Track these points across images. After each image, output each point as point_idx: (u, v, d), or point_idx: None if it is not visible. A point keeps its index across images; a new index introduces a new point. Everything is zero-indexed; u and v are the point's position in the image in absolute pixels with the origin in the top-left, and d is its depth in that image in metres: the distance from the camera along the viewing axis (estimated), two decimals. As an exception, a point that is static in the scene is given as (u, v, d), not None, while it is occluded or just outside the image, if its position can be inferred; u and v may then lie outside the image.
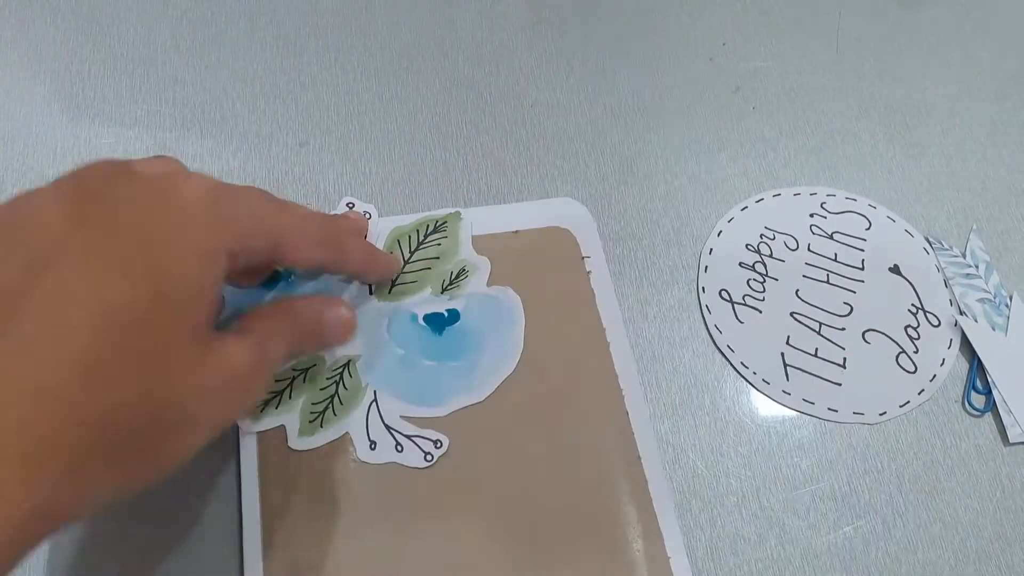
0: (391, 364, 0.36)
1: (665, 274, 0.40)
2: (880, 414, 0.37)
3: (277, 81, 0.43)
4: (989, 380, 0.37)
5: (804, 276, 0.40)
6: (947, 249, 0.41)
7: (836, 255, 0.40)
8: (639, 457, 0.34)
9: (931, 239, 0.41)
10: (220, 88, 0.43)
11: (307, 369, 0.35)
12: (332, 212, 0.39)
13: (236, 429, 0.34)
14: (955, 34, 0.48)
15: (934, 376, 0.38)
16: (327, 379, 0.35)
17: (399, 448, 0.34)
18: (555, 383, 0.36)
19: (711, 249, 0.40)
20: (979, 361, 0.38)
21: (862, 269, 0.40)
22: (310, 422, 0.34)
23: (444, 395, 0.35)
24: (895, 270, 0.40)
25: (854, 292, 0.39)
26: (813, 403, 0.37)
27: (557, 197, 0.41)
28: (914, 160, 0.44)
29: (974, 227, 0.42)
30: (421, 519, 0.33)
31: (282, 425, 0.34)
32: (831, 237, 0.41)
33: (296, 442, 0.34)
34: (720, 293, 0.39)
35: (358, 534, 0.33)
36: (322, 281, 0.36)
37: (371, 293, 0.37)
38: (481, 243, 0.39)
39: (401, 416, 0.35)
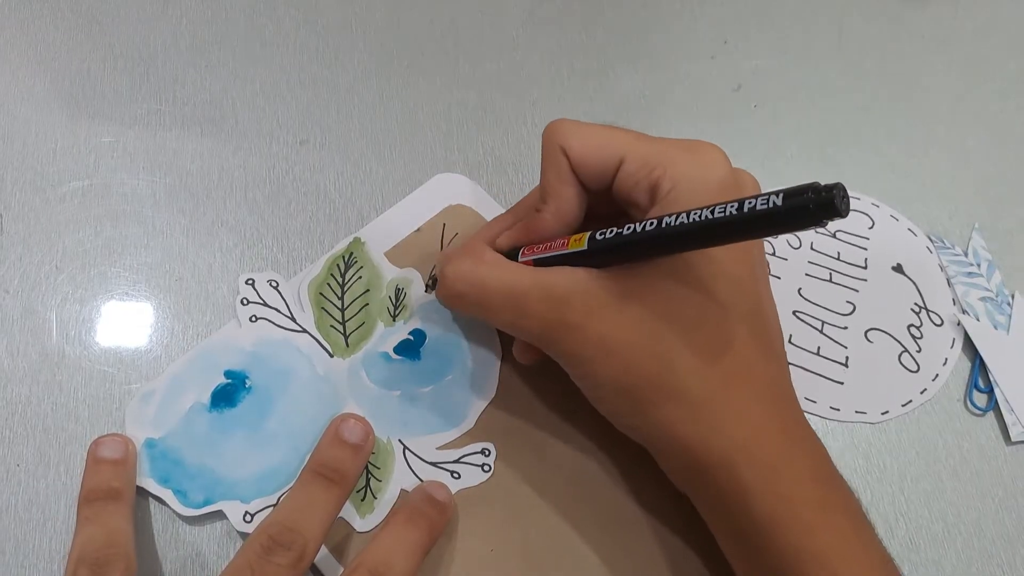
0: (394, 409, 0.35)
1: (667, 273, 0.39)
2: (882, 413, 0.37)
3: (277, 80, 0.43)
4: (991, 379, 0.37)
5: (807, 275, 0.40)
6: (949, 248, 0.41)
7: (839, 254, 0.40)
8: None
9: (933, 237, 0.41)
10: (220, 87, 0.43)
11: None
12: (236, 292, 0.37)
13: None
14: (957, 32, 0.48)
15: (936, 375, 0.38)
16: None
17: (456, 476, 0.34)
18: None
19: (713, 248, 0.40)
20: (981, 360, 0.38)
21: (865, 268, 0.40)
22: (362, 500, 0.33)
23: (460, 410, 0.35)
24: (898, 269, 0.40)
25: (857, 291, 0.39)
26: (815, 402, 0.37)
27: (431, 179, 0.40)
28: (916, 159, 0.44)
29: (976, 226, 0.42)
30: (520, 524, 0.33)
31: (340, 517, 0.33)
32: (834, 236, 0.41)
33: (363, 524, 0.33)
34: (722, 292, 0.39)
35: (473, 569, 0.33)
36: (288, 377, 0.35)
37: (331, 356, 0.36)
38: (395, 256, 0.38)
39: (437, 448, 0.35)
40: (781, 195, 0.23)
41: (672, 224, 0.26)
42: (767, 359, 0.30)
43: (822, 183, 0.23)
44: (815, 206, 0.23)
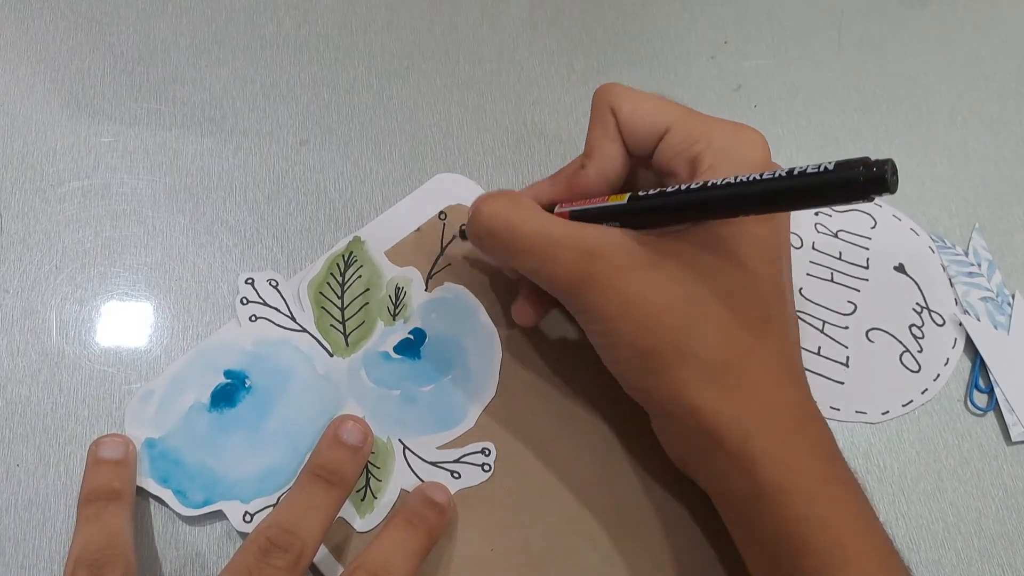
0: (394, 408, 0.35)
1: (667, 273, 0.39)
2: (883, 413, 0.37)
3: (277, 80, 0.43)
4: (991, 379, 0.37)
5: (808, 274, 0.40)
6: (950, 247, 0.41)
7: (841, 253, 0.40)
8: None
9: (933, 237, 0.41)
10: (220, 86, 0.43)
11: None
12: (236, 291, 0.37)
13: None
14: (957, 32, 0.48)
15: (938, 375, 0.38)
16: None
17: (456, 475, 0.34)
18: (545, 345, 0.36)
19: (713, 248, 0.40)
20: (981, 360, 0.38)
21: (867, 268, 0.40)
22: (362, 500, 0.33)
23: (461, 408, 0.35)
24: (900, 269, 0.40)
25: (858, 291, 0.39)
26: (815, 401, 0.37)
27: (432, 179, 0.41)
28: (916, 159, 0.44)
29: (976, 226, 0.42)
30: (520, 524, 0.33)
31: (340, 518, 0.33)
32: (836, 235, 0.41)
33: (363, 524, 0.33)
34: (722, 292, 0.39)
35: (473, 568, 0.33)
36: (287, 377, 0.35)
37: (331, 355, 0.36)
38: (395, 255, 0.38)
39: (437, 448, 0.35)
40: (833, 164, 0.24)
41: (719, 185, 0.27)
42: (784, 337, 0.31)
43: (872, 158, 0.23)
44: (866, 179, 0.23)
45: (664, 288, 0.29)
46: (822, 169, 0.24)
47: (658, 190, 0.29)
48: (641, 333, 0.29)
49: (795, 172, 0.25)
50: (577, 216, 0.32)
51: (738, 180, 0.26)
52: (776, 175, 0.25)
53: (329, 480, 0.32)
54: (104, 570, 0.29)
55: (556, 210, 0.33)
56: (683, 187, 0.28)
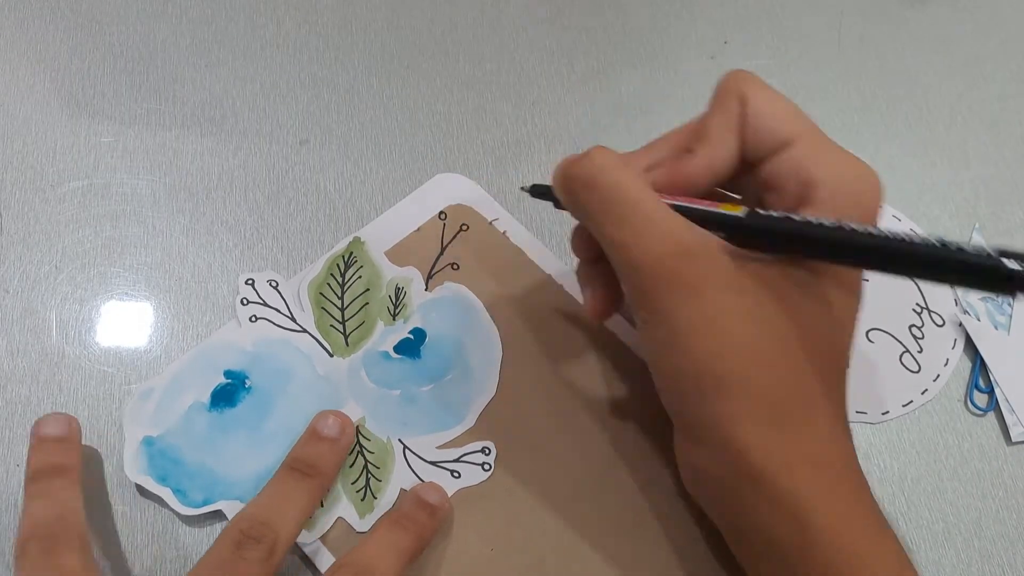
0: (394, 408, 0.35)
1: (667, 273, 0.39)
2: (883, 413, 0.37)
3: (277, 80, 0.43)
4: (992, 379, 0.37)
5: (806, 275, 0.40)
6: (949, 248, 0.41)
7: (838, 254, 0.40)
8: None
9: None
10: (220, 86, 0.43)
11: None
12: (236, 291, 0.37)
13: (298, 548, 0.32)
14: (957, 32, 0.48)
15: (938, 376, 0.38)
16: (348, 454, 0.34)
17: (456, 475, 0.34)
18: (546, 345, 0.36)
19: (713, 248, 0.40)
20: (982, 360, 0.38)
21: (864, 268, 0.40)
22: (362, 500, 0.33)
23: (461, 408, 0.35)
24: (898, 269, 0.40)
25: (856, 291, 0.39)
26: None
27: (432, 179, 0.40)
28: (916, 159, 0.44)
29: (976, 226, 0.42)
30: (520, 524, 0.33)
31: (339, 518, 0.33)
32: (833, 236, 0.41)
33: (362, 524, 0.33)
34: (722, 292, 0.39)
35: (473, 568, 0.33)
36: (287, 377, 0.35)
37: (331, 356, 0.36)
38: (395, 256, 0.38)
39: (437, 447, 0.34)
40: (996, 252, 0.22)
41: (860, 232, 0.25)
42: (839, 396, 0.29)
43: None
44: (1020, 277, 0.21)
45: (751, 316, 0.27)
46: (979, 254, 0.22)
47: (784, 214, 0.27)
48: (711, 357, 0.27)
49: (953, 247, 0.23)
50: (685, 212, 0.29)
51: (888, 234, 0.24)
52: (931, 243, 0.23)
53: (304, 472, 0.31)
54: (58, 545, 0.28)
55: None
56: (815, 221, 0.26)
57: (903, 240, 0.24)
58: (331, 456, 0.33)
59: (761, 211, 0.28)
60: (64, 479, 0.31)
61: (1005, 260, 0.22)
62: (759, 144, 0.29)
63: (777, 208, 0.28)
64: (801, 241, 0.27)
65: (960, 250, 0.23)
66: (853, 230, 0.25)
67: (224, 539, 0.29)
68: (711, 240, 0.28)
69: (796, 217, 0.27)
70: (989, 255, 0.22)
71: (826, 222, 0.26)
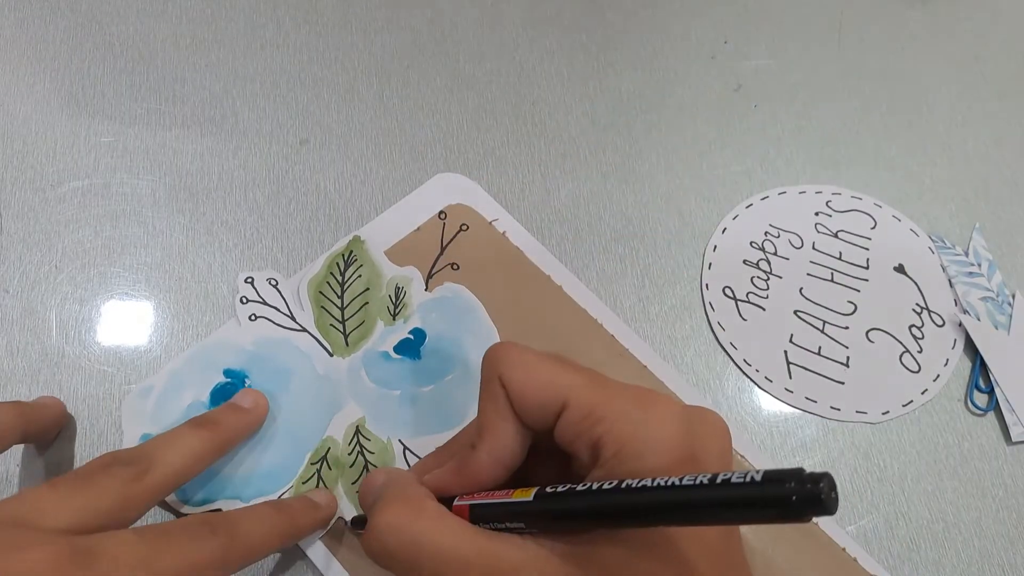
0: (395, 408, 0.35)
1: (667, 272, 0.39)
2: (883, 413, 0.37)
3: (277, 79, 0.43)
4: (992, 379, 0.37)
5: (808, 274, 0.40)
6: (950, 247, 0.41)
7: (841, 254, 0.40)
8: None
9: (933, 237, 0.41)
10: (220, 86, 0.43)
11: (324, 456, 0.34)
12: (236, 290, 0.37)
13: (297, 548, 0.32)
14: (957, 32, 0.48)
15: (938, 376, 0.38)
16: (349, 454, 0.34)
17: None
18: (545, 345, 0.36)
19: (715, 246, 0.40)
20: (982, 360, 0.38)
21: (867, 268, 0.40)
22: None
23: (460, 407, 0.35)
24: (900, 269, 0.40)
25: (858, 291, 0.39)
26: (816, 401, 0.37)
27: (432, 178, 0.41)
28: (915, 158, 0.44)
29: (976, 225, 0.42)
30: None
31: (339, 518, 0.33)
32: (836, 236, 0.41)
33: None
34: (724, 290, 0.39)
35: None
36: (287, 376, 0.35)
37: (331, 355, 0.36)
38: (395, 255, 0.38)
39: (438, 448, 0.34)
40: (761, 475, 0.19)
41: (634, 488, 0.22)
42: None
43: (807, 470, 0.18)
44: (799, 498, 0.18)
45: None
46: (748, 479, 0.19)
47: (567, 487, 0.24)
48: None
49: (718, 480, 0.20)
50: (479, 512, 0.26)
51: (655, 484, 0.22)
52: (697, 482, 0.21)
53: (200, 423, 0.31)
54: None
55: (456, 503, 0.27)
56: (593, 486, 0.23)
57: (674, 487, 0.21)
58: (234, 419, 0.32)
59: (548, 489, 0.25)
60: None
61: (782, 485, 0.19)
62: (536, 419, 0.27)
63: (585, 473, 0.26)
64: (588, 514, 0.24)
65: (728, 484, 0.20)
66: (629, 487, 0.22)
67: (95, 459, 0.28)
68: (531, 551, 0.25)
69: (578, 487, 0.24)
70: (763, 480, 0.19)
71: (606, 485, 0.23)
